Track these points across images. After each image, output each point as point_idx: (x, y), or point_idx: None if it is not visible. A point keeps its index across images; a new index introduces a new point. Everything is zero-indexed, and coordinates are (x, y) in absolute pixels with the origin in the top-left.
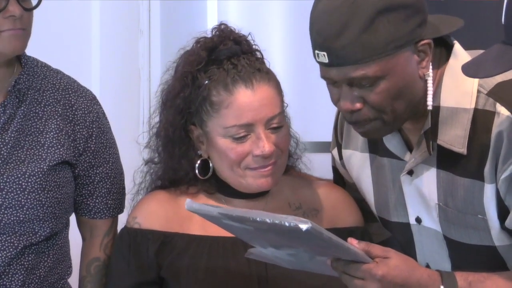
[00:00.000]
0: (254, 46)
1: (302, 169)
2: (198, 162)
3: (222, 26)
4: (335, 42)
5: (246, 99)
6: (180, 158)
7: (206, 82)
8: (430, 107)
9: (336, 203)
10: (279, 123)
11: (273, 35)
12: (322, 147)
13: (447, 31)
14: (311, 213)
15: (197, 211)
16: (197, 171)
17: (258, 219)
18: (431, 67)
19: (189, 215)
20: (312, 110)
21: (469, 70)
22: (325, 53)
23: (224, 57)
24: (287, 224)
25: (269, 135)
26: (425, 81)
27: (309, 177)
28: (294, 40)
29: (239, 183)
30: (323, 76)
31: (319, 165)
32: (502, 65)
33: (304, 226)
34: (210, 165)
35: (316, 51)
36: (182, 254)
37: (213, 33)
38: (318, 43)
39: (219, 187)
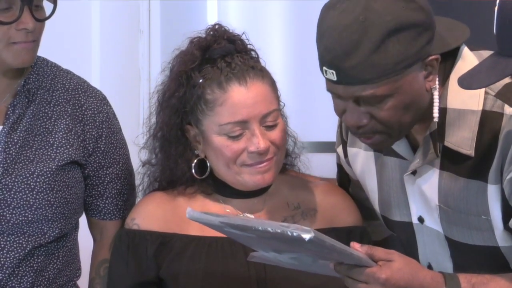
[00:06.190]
0: (248, 46)
1: (300, 169)
2: (195, 161)
3: (216, 26)
4: (345, 61)
5: (240, 96)
6: (177, 158)
7: (201, 81)
8: (436, 119)
9: (335, 203)
10: (274, 121)
11: (273, 35)
12: (320, 147)
13: (454, 44)
14: (310, 213)
15: (198, 220)
16: (193, 171)
17: (260, 228)
18: (437, 79)
19: None
20: (312, 110)
21: (464, 82)
22: (333, 71)
23: (218, 55)
24: (289, 233)
25: (264, 132)
26: (432, 93)
27: (308, 177)
28: (294, 40)
29: (235, 181)
30: (330, 90)
31: (317, 165)
32: (494, 76)
33: (307, 236)
34: (208, 164)
35: (324, 68)
36: (180, 254)
37: (207, 32)
38: (326, 61)
39: (217, 188)
